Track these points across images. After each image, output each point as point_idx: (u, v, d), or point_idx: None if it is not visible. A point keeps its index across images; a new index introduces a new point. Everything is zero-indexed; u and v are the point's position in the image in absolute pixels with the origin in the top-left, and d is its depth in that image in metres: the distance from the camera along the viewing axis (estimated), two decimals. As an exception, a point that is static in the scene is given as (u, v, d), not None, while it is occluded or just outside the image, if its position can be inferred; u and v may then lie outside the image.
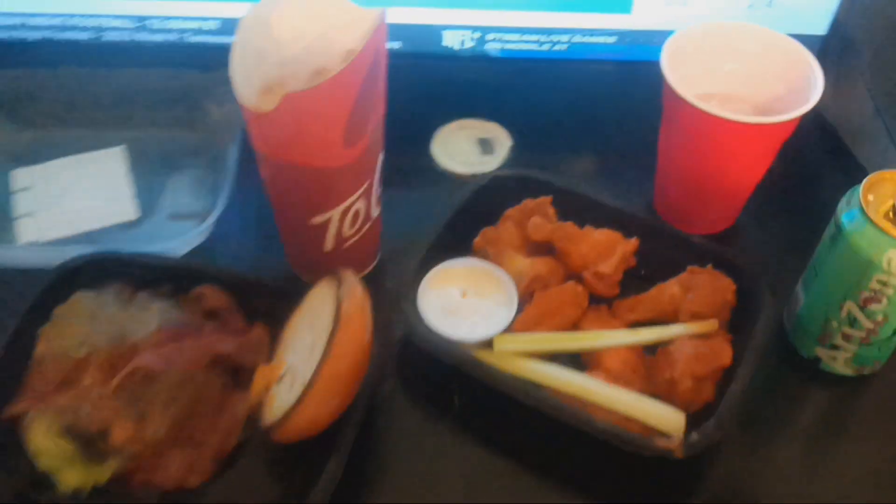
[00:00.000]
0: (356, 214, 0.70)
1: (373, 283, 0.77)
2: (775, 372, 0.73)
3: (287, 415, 0.59)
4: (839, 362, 0.71)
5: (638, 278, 0.74)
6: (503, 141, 0.90)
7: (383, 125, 0.69)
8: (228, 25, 0.86)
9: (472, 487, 0.66)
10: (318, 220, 0.69)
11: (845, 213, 0.64)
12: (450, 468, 0.67)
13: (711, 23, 0.77)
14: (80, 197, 0.82)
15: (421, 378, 0.73)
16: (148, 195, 0.83)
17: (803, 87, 0.73)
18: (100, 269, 0.71)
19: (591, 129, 0.93)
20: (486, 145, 0.90)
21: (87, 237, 0.80)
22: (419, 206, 0.84)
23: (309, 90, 0.59)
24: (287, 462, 0.66)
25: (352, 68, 0.59)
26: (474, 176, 0.87)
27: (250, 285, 0.71)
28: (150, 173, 0.85)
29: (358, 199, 0.69)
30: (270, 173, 0.67)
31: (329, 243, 0.72)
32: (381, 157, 0.71)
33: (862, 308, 0.65)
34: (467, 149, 0.89)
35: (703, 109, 0.70)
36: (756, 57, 0.77)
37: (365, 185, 0.69)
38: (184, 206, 0.83)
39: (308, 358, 0.63)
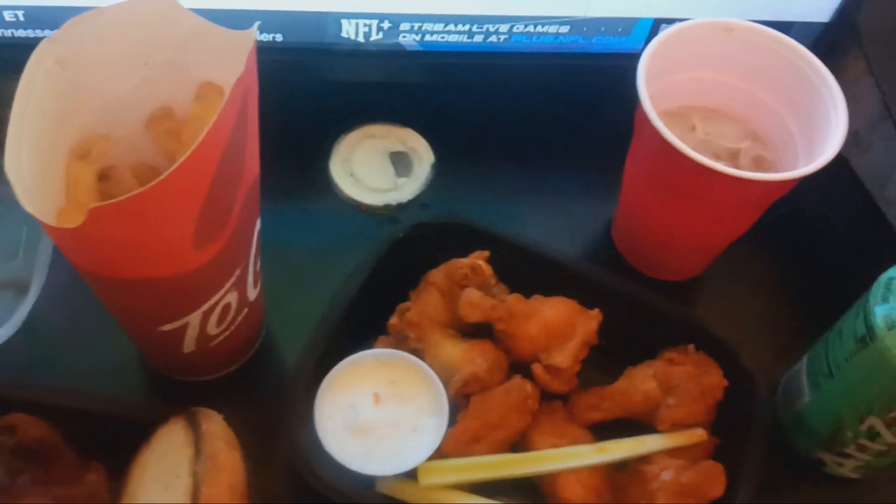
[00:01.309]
0: (225, 310, 0.51)
1: (250, 382, 0.59)
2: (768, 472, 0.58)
3: None
4: (847, 468, 0.57)
5: (600, 353, 0.58)
6: (423, 156, 0.70)
7: (258, 183, 0.49)
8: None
9: None
10: (168, 327, 0.49)
11: (880, 308, 0.48)
12: None
13: (698, 22, 0.57)
14: None
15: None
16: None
17: (815, 115, 0.56)
18: None
19: (536, 139, 0.74)
20: (401, 162, 0.70)
21: None
22: (313, 255, 0.64)
23: (136, 195, 0.38)
24: None
25: (211, 139, 0.39)
26: (387, 207, 0.68)
27: (81, 409, 0.51)
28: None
29: (226, 293, 0.50)
30: (94, 285, 0.47)
31: (189, 346, 0.52)
32: (257, 226, 0.51)
33: (889, 426, 0.51)
34: (377, 168, 0.69)
35: (686, 154, 0.52)
36: (752, 68, 0.59)
37: (235, 275, 0.49)
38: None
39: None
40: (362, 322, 0.57)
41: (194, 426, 0.45)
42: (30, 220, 0.60)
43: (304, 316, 0.59)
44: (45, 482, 0.49)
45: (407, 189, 0.68)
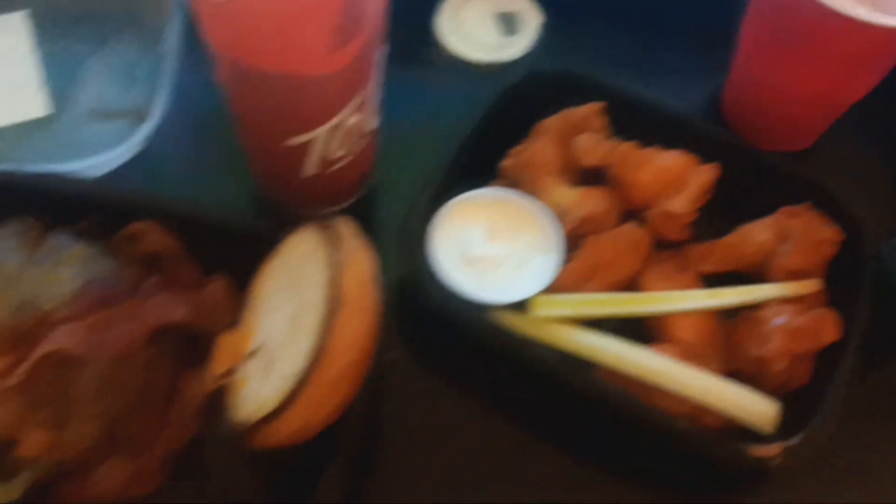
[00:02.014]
0: (349, 132, 0.51)
1: (363, 216, 0.60)
2: (879, 341, 0.57)
3: (267, 420, 0.43)
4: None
5: (710, 211, 0.58)
6: (530, 17, 0.69)
7: (386, 5, 0.49)
8: None
9: (503, 491, 0.52)
10: (296, 141, 0.50)
11: None
12: (474, 461, 0.53)
13: None
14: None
15: (431, 350, 0.57)
16: (61, 82, 0.62)
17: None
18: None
19: (646, 8, 0.72)
20: (507, 22, 0.69)
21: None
22: (426, 107, 0.65)
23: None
24: (260, 466, 0.50)
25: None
26: (493, 65, 0.67)
27: (206, 221, 0.52)
28: (63, 52, 0.63)
29: (352, 113, 0.50)
30: (231, 81, 0.47)
31: (310, 168, 0.53)
32: (382, 52, 0.51)
33: None
34: (483, 27, 0.69)
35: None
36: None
37: (361, 95, 0.50)
38: (109, 101, 0.61)
39: (291, 337, 0.46)
40: (474, 166, 0.57)
41: (328, 228, 0.46)
42: (147, 50, 0.62)
43: (407, 167, 0.60)
44: (169, 288, 0.51)
45: (514, 48, 0.68)
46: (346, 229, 0.46)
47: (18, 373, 0.44)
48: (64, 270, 0.48)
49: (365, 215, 0.60)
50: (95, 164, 0.56)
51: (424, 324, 0.55)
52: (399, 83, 0.59)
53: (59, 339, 0.45)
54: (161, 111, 0.57)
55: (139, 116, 0.60)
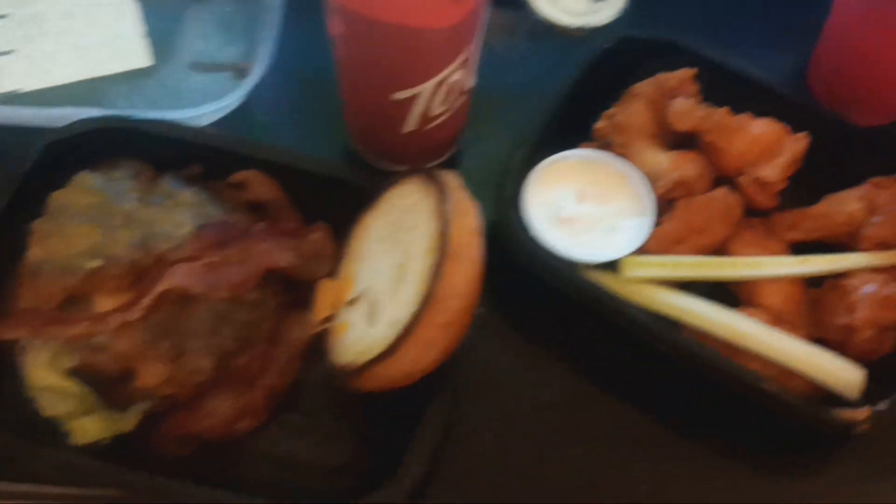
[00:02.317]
0: (451, 88, 0.53)
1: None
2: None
3: (373, 363, 0.45)
4: None
5: (798, 181, 0.58)
6: (618, -16, 0.70)
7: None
8: None
9: (584, 445, 0.54)
10: (402, 95, 0.51)
11: None
12: (557, 416, 0.54)
13: None
14: (72, 32, 0.63)
15: (520, 304, 0.58)
16: (162, 35, 0.64)
17: None
18: (106, 141, 0.53)
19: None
20: (598, -12, 0.70)
21: (81, 89, 0.61)
22: (513, 72, 0.66)
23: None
24: (357, 406, 0.52)
25: None
26: (581, 30, 0.68)
27: (309, 171, 0.54)
28: (163, 4, 0.65)
29: (457, 68, 0.51)
30: (345, 32, 0.49)
31: (410, 124, 0.54)
32: (486, 11, 0.52)
33: None
34: (573, -8, 0.69)
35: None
36: None
37: (467, 50, 0.51)
38: (210, 53, 0.63)
39: (395, 286, 0.47)
40: (566, 127, 0.58)
41: (434, 180, 0.47)
42: (248, 2, 0.64)
43: (496, 129, 0.62)
44: (276, 234, 0.52)
45: (603, 13, 0.68)
46: (453, 181, 0.47)
47: (139, 307, 0.46)
48: (179, 213, 0.50)
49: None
50: (195, 115, 0.57)
51: (512, 280, 0.56)
52: (490, 46, 0.60)
53: (178, 277, 0.47)
54: (263, 66, 0.58)
55: (239, 70, 0.61)
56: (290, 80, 0.63)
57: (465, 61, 0.51)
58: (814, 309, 0.54)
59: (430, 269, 0.44)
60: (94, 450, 0.47)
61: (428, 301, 0.43)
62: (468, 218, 0.45)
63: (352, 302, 0.50)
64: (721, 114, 0.57)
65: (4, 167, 0.53)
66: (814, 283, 0.55)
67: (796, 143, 0.56)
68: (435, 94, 0.52)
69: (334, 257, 0.53)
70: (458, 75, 0.52)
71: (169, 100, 0.61)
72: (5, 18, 0.63)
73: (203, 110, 0.58)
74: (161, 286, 0.46)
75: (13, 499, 0.48)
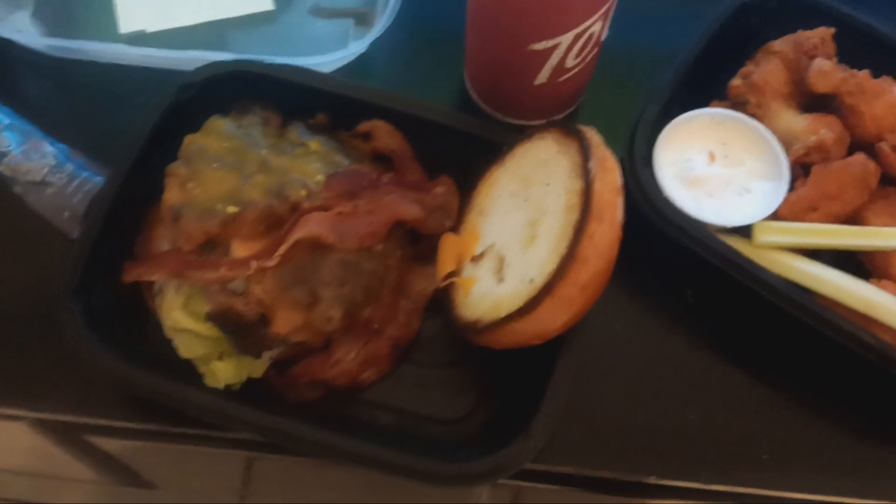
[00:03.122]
0: (588, 40, 0.51)
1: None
2: None
3: (507, 320, 0.45)
4: None
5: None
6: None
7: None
8: None
9: (703, 410, 0.53)
10: (541, 46, 0.50)
11: None
12: (677, 380, 0.54)
13: None
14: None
15: (647, 262, 0.57)
16: (283, -22, 0.63)
17: None
18: (236, 86, 0.53)
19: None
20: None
21: (203, 32, 0.61)
22: (638, 25, 0.63)
23: None
24: (479, 360, 0.52)
25: None
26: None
27: (434, 122, 0.53)
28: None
29: (597, 19, 0.50)
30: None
31: (543, 76, 0.53)
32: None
33: None
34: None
35: None
36: None
37: (609, 1, 0.49)
38: (332, -1, 0.63)
39: (527, 244, 0.47)
40: (697, 84, 0.56)
41: (576, 134, 0.46)
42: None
43: (621, 81, 0.60)
44: (402, 185, 0.52)
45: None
46: (595, 137, 0.46)
47: (276, 255, 0.46)
48: (310, 161, 0.50)
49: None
50: (318, 63, 0.57)
51: (636, 242, 0.55)
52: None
53: (312, 226, 0.47)
54: (389, 16, 0.57)
55: (361, 17, 0.61)
56: (414, 28, 0.61)
57: (607, 11, 0.50)
58: (950, 284, 0.52)
59: (572, 227, 0.43)
60: (227, 392, 0.48)
61: (570, 259, 0.43)
62: (612, 175, 0.44)
63: (478, 258, 0.50)
64: (863, 76, 0.54)
65: (134, 109, 0.53)
66: (949, 257, 0.53)
67: (942, 110, 0.54)
68: (573, 46, 0.51)
69: (458, 210, 0.53)
70: (598, 26, 0.51)
71: (290, 45, 0.60)
72: (129, -43, 0.63)
73: (326, 58, 0.57)
74: (296, 234, 0.46)
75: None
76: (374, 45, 0.59)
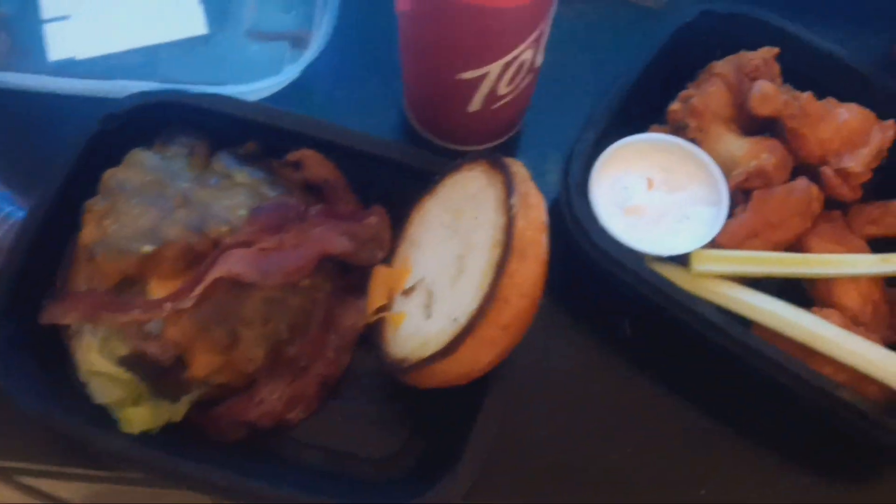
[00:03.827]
0: (519, 67, 0.50)
1: (513, 154, 0.59)
2: None
3: (431, 360, 0.43)
4: None
5: (883, 174, 0.54)
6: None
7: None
8: None
9: (639, 444, 0.52)
10: (469, 75, 0.49)
11: None
12: (613, 414, 0.52)
13: None
14: (127, -4, 0.61)
15: (580, 295, 0.56)
16: (218, 1, 0.61)
17: None
18: (162, 115, 0.52)
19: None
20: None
21: (135, 57, 0.59)
22: (583, 45, 0.62)
23: None
24: (409, 397, 0.50)
25: None
26: (658, 2, 0.64)
27: (367, 152, 0.52)
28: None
29: (527, 48, 0.48)
30: (415, 10, 0.46)
31: (476, 104, 0.52)
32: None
33: None
34: (649, -40, 0.65)
35: None
36: None
37: (539, 29, 0.48)
38: (268, 21, 0.61)
39: (455, 277, 0.46)
40: (637, 108, 0.55)
41: (501, 168, 0.45)
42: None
43: (563, 106, 0.59)
44: (332, 217, 0.51)
45: (680, -16, 0.64)
46: (520, 171, 0.45)
47: (192, 295, 0.45)
48: (234, 194, 0.49)
49: (514, 156, 0.59)
50: (252, 90, 0.56)
51: (573, 270, 0.54)
52: (559, 18, 0.57)
53: (231, 264, 0.45)
54: (323, 38, 0.56)
55: (297, 40, 0.59)
56: (351, 52, 0.60)
57: (537, 39, 0.49)
58: (893, 310, 0.51)
59: (494, 266, 0.42)
60: (144, 438, 0.46)
61: (490, 300, 0.41)
62: (536, 212, 0.43)
63: (408, 291, 0.49)
64: (805, 99, 0.53)
65: (60, 139, 0.52)
66: (893, 282, 0.52)
67: (884, 132, 0.53)
68: (503, 74, 0.49)
69: (391, 242, 0.51)
70: (528, 54, 0.49)
71: (224, 69, 0.59)
72: (61, -19, 0.61)
73: (260, 84, 0.56)
74: (214, 273, 0.45)
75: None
76: (313, 68, 0.57)
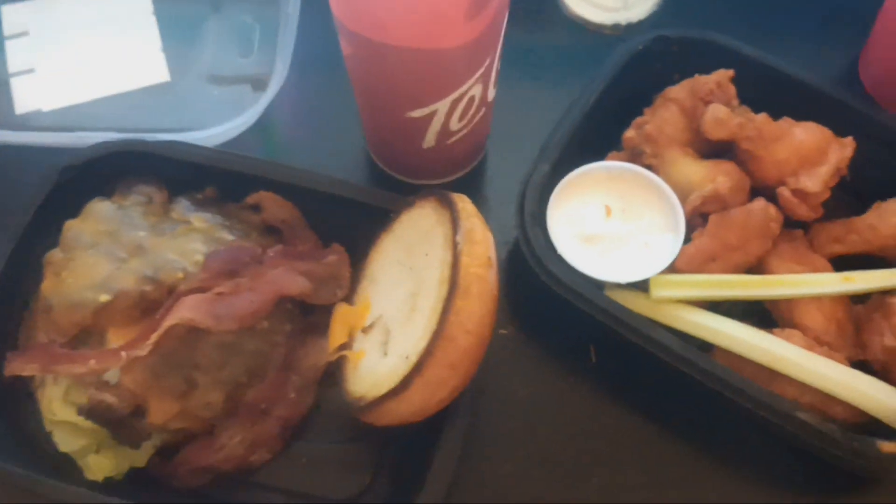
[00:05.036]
0: (469, 103, 0.50)
1: (476, 186, 0.59)
2: None
3: (383, 399, 0.43)
4: None
5: (844, 189, 0.54)
6: (654, -24, 0.66)
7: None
8: None
9: (607, 474, 0.51)
10: (417, 113, 0.49)
11: None
12: (580, 444, 0.52)
13: None
14: (91, 48, 0.62)
15: (544, 324, 0.56)
16: (179, 48, 0.62)
17: None
18: (122, 164, 0.52)
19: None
20: (631, -18, 0.66)
21: (100, 107, 0.60)
22: (542, 73, 0.63)
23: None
24: (374, 435, 0.51)
25: None
26: (616, 27, 0.65)
27: (323, 192, 0.52)
28: (180, 17, 0.64)
29: (474, 84, 0.49)
30: (356, 53, 0.47)
31: (429, 140, 0.52)
32: (505, 20, 0.49)
33: None
34: (606, -14, 0.66)
35: None
36: None
37: (485, 65, 0.48)
38: (228, 66, 0.62)
39: (409, 317, 0.46)
40: (594, 135, 0.55)
41: (448, 205, 0.45)
42: (265, 14, 0.62)
43: (521, 137, 0.59)
44: (290, 257, 0.51)
45: (637, 9, 0.65)
46: (466, 207, 0.45)
47: (147, 344, 0.45)
48: (191, 240, 0.49)
49: (477, 187, 0.59)
50: (213, 134, 0.56)
51: (537, 301, 0.54)
52: (514, 46, 0.57)
53: (185, 311, 0.46)
54: (281, 79, 0.57)
55: (257, 82, 0.60)
56: (310, 91, 0.61)
57: (484, 75, 0.49)
58: (857, 329, 0.51)
59: (441, 305, 0.42)
60: (108, 485, 0.46)
61: (436, 339, 0.42)
62: (481, 247, 0.43)
63: (368, 328, 0.49)
64: (761, 120, 0.53)
65: (22, 190, 0.53)
66: (858, 299, 0.52)
67: (841, 150, 0.52)
68: (453, 111, 0.50)
69: (350, 280, 0.52)
70: (477, 89, 0.50)
71: (187, 114, 0.60)
72: (27, 36, 0.62)
73: (220, 129, 0.57)
74: (168, 321, 0.45)
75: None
76: (275, 109, 0.58)
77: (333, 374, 0.50)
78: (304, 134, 0.61)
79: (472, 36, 0.44)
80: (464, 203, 0.45)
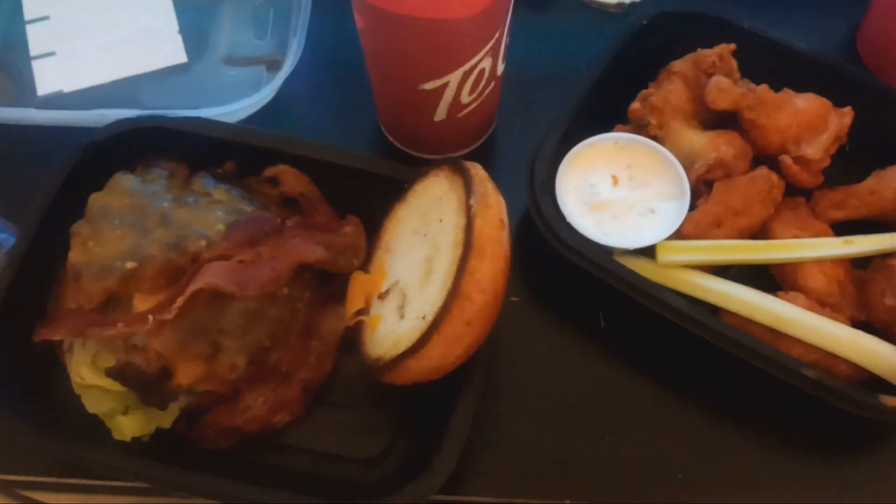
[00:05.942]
0: (479, 76, 0.52)
1: (487, 159, 0.61)
2: None
3: (402, 358, 0.45)
4: None
5: (844, 157, 0.56)
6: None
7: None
8: None
9: (617, 432, 0.53)
10: (430, 85, 0.51)
11: None
12: (591, 404, 0.54)
13: None
14: (110, 30, 0.64)
15: (554, 291, 0.57)
16: (196, 30, 0.64)
17: None
18: (143, 140, 0.54)
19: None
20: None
21: (119, 87, 0.62)
22: (549, 51, 0.64)
23: None
24: (393, 398, 0.52)
25: None
26: (620, 5, 0.66)
27: (339, 164, 0.54)
28: (197, 1, 0.65)
29: (484, 56, 0.50)
30: (370, 26, 0.48)
31: (441, 113, 0.54)
32: (513, -4, 0.51)
33: None
34: (608, -35, 0.67)
35: None
36: None
37: (495, 38, 0.50)
38: (243, 47, 0.64)
39: (424, 280, 0.47)
40: (601, 108, 0.57)
41: (461, 171, 0.47)
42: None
43: (529, 111, 0.61)
44: (308, 228, 0.53)
45: (641, -12, 0.66)
46: (479, 173, 0.47)
47: (173, 308, 0.47)
48: (212, 211, 0.51)
49: (488, 160, 0.61)
50: (230, 111, 0.58)
51: (547, 269, 0.56)
52: (522, 25, 0.58)
53: (210, 276, 0.48)
54: (294, 59, 0.58)
55: (272, 63, 0.62)
56: (323, 71, 0.63)
57: (494, 48, 0.51)
58: (859, 291, 0.53)
59: (456, 265, 0.44)
60: (136, 446, 0.48)
61: (453, 297, 0.43)
62: (493, 210, 0.45)
63: (384, 295, 0.51)
64: (761, 90, 0.55)
65: (47, 168, 0.54)
66: (860, 263, 0.53)
67: (841, 119, 0.54)
68: (464, 83, 0.51)
69: (366, 249, 0.53)
70: (487, 63, 0.51)
71: (203, 95, 0.62)
72: (47, 20, 0.64)
73: (237, 106, 0.58)
74: (193, 286, 0.47)
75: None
76: (289, 88, 0.60)
77: (352, 341, 0.52)
78: (317, 113, 0.63)
79: (482, 5, 0.45)
80: (476, 169, 0.47)
